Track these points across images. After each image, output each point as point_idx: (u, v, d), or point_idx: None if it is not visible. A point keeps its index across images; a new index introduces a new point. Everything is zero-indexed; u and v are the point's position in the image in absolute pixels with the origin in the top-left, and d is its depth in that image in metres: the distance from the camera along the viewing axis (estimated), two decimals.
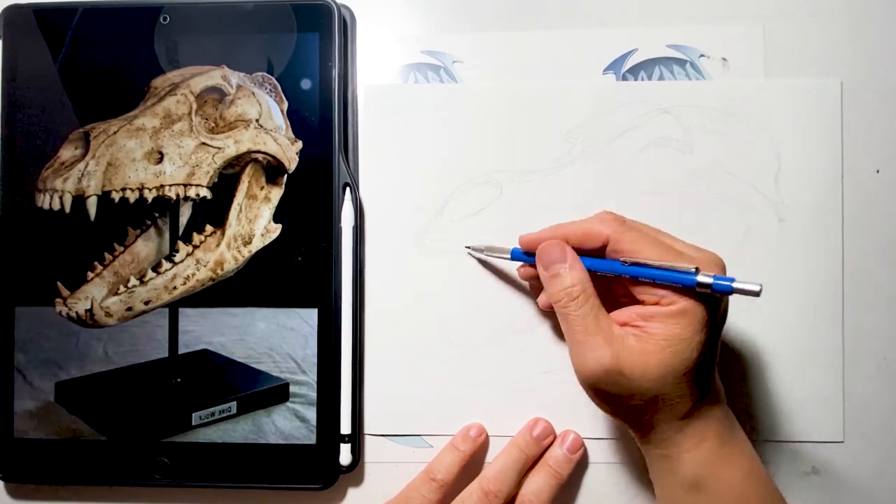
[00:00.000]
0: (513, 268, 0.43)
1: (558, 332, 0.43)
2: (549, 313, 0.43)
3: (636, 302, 0.36)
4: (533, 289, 0.43)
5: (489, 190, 0.43)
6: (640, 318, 0.35)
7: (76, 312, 0.42)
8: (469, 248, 0.43)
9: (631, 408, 0.36)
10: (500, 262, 0.43)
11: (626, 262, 0.35)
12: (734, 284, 0.33)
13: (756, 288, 0.32)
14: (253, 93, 0.43)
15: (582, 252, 0.37)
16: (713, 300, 0.35)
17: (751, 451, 0.37)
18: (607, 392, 0.36)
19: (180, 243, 0.43)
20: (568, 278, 0.36)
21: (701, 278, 0.33)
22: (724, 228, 0.43)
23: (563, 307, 0.37)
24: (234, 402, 0.43)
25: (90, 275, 0.43)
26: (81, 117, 0.43)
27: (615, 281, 0.38)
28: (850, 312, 0.43)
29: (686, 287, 0.34)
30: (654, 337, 0.34)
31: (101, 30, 0.44)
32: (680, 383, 0.35)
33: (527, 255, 0.40)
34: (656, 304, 0.35)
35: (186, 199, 0.42)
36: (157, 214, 0.43)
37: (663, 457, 0.37)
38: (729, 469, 0.36)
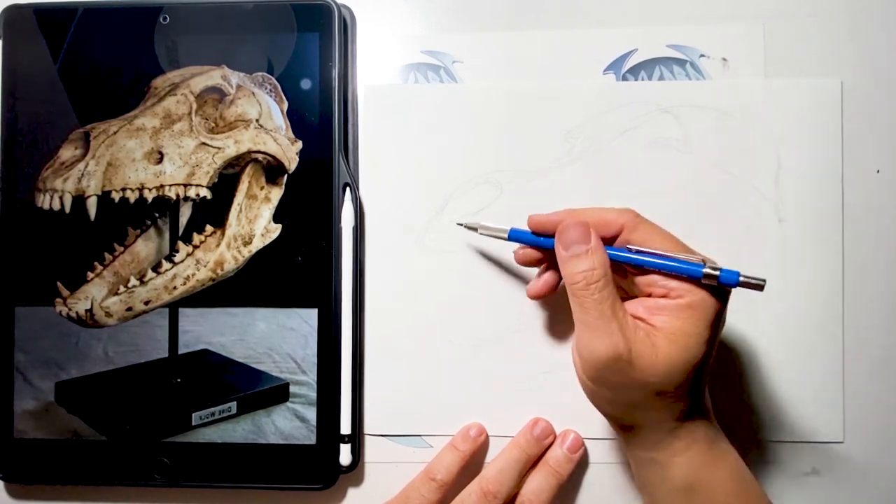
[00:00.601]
0: (509, 262, 0.43)
1: (558, 331, 0.43)
2: (546, 311, 0.43)
3: (641, 297, 0.36)
4: (532, 270, 0.42)
5: (489, 190, 0.43)
6: (647, 311, 0.35)
7: (76, 312, 0.42)
8: (462, 224, 0.41)
9: (628, 404, 0.36)
10: (495, 252, 0.43)
11: (633, 250, 0.36)
12: (740, 277, 0.33)
13: (761, 281, 0.33)
14: (253, 93, 0.43)
15: None
16: (720, 298, 0.35)
17: (735, 453, 0.37)
18: (609, 382, 0.35)
19: (180, 243, 0.43)
20: (590, 260, 0.35)
21: (708, 270, 0.34)
22: (724, 228, 0.43)
23: (580, 290, 0.35)
24: (234, 402, 0.43)
25: (90, 275, 0.43)
26: (81, 117, 0.43)
27: (621, 275, 0.37)
28: (850, 312, 0.43)
29: (693, 280, 0.34)
30: (662, 331, 0.34)
31: (101, 30, 0.44)
32: (682, 381, 0.34)
33: (533, 236, 0.39)
34: (664, 296, 0.35)
35: (186, 199, 0.42)
36: (157, 214, 0.43)
37: (653, 461, 0.36)
38: (719, 472, 0.36)
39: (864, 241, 0.43)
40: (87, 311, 0.42)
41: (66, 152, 0.43)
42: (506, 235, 0.40)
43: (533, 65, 0.44)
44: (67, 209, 0.42)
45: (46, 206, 0.42)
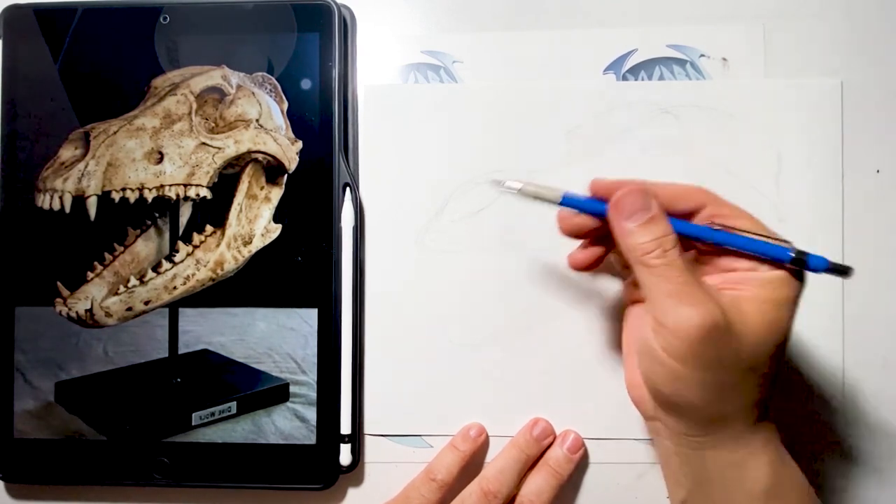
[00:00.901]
0: (509, 262, 0.43)
1: (559, 331, 0.43)
2: (547, 311, 0.43)
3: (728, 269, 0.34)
4: (579, 239, 0.38)
5: (489, 190, 0.43)
6: (731, 283, 0.33)
7: (76, 312, 0.42)
8: (499, 181, 0.37)
9: (721, 386, 0.32)
10: (496, 251, 0.43)
11: (716, 227, 0.33)
12: (830, 263, 0.32)
13: (849, 268, 0.32)
14: (253, 93, 0.43)
15: (670, 213, 0.34)
16: (801, 280, 0.33)
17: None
18: (703, 358, 0.32)
19: (180, 243, 0.43)
20: (658, 227, 0.33)
21: (794, 253, 0.32)
22: None
23: (657, 258, 0.32)
24: (234, 402, 0.43)
25: (90, 275, 0.43)
26: (81, 117, 0.43)
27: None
28: (850, 313, 0.43)
29: (777, 260, 0.33)
30: (750, 300, 0.32)
31: (101, 30, 0.44)
32: (772, 357, 0.32)
33: (593, 201, 0.35)
34: (753, 270, 0.33)
35: (186, 199, 0.42)
36: (157, 214, 0.43)
37: (732, 464, 0.34)
38: (794, 472, 0.34)
39: (864, 241, 0.43)
40: (87, 311, 0.42)
41: (66, 152, 0.43)
42: (558, 199, 0.36)
43: (533, 65, 0.44)
44: (67, 209, 0.42)
45: (46, 206, 0.42)
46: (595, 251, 0.37)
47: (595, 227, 0.36)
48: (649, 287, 0.33)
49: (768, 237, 0.33)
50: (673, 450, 0.36)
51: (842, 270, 0.32)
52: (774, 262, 0.33)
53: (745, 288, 0.33)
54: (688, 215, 0.34)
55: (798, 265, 0.33)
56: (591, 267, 0.37)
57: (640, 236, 0.33)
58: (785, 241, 0.33)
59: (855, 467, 0.43)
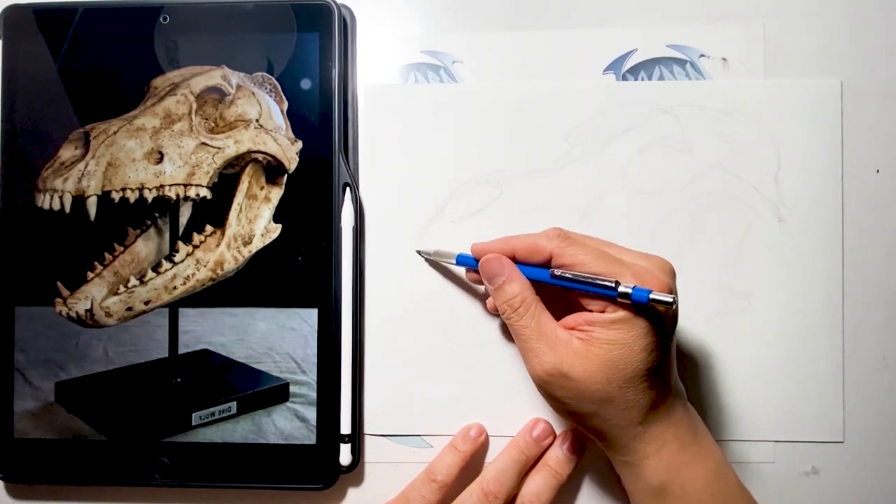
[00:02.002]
0: None
1: None
2: None
3: (587, 308, 0.37)
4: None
5: (489, 190, 0.43)
6: (586, 324, 0.36)
7: (76, 312, 0.42)
8: (420, 251, 0.43)
9: (583, 414, 0.36)
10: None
11: (553, 275, 0.37)
12: (650, 296, 0.34)
13: (670, 299, 0.34)
14: (253, 93, 0.43)
15: (530, 264, 0.38)
16: (646, 315, 0.35)
17: (716, 451, 0.37)
18: (555, 396, 0.37)
19: (180, 243, 0.43)
20: (508, 290, 0.38)
21: (621, 289, 0.35)
22: (724, 228, 0.43)
23: (507, 317, 0.38)
24: (234, 402, 0.43)
25: (90, 275, 0.43)
26: (81, 117, 0.43)
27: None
28: (850, 312, 0.43)
29: (611, 298, 0.35)
30: (598, 341, 0.35)
31: (101, 30, 0.44)
32: (628, 387, 0.35)
33: (476, 261, 0.40)
34: (602, 311, 0.36)
35: (186, 199, 0.42)
36: (157, 214, 0.43)
37: (626, 463, 0.37)
38: (692, 473, 0.36)
39: (864, 241, 0.43)
40: (87, 311, 0.42)
41: (66, 152, 0.43)
42: (454, 261, 0.42)
43: (533, 65, 0.44)
44: (67, 209, 0.42)
45: (46, 206, 0.42)
46: None
47: None
48: (513, 336, 0.39)
49: (594, 280, 0.35)
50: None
51: (665, 302, 0.34)
52: (618, 303, 0.35)
53: (595, 329, 0.36)
54: (547, 262, 0.38)
55: (625, 299, 0.35)
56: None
57: (497, 298, 0.39)
58: (612, 281, 0.35)
59: (855, 466, 0.43)
